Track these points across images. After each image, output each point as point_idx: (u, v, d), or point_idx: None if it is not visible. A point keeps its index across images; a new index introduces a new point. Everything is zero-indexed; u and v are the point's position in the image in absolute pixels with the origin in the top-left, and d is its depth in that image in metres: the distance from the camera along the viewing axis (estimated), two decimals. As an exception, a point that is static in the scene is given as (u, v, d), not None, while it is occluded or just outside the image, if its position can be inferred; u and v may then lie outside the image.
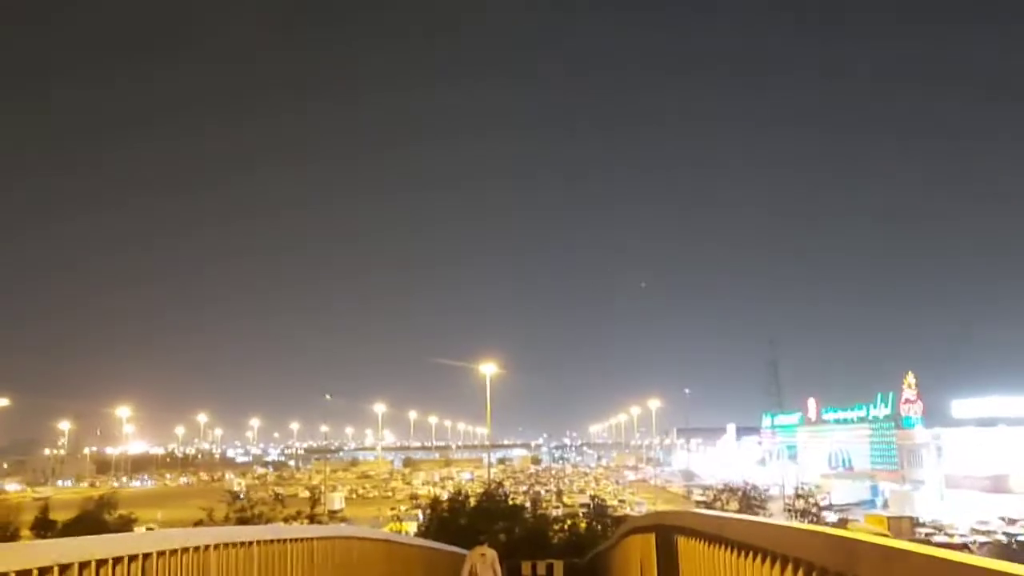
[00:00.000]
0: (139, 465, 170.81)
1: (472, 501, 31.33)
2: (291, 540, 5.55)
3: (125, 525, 30.08)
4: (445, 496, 35.89)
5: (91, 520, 28.90)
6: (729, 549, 3.55)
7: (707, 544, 4.02)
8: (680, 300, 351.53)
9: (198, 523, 17.93)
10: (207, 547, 4.17)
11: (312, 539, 6.11)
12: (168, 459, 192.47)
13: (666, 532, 5.00)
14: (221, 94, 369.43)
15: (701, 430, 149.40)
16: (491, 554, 14.93)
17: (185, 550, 4.11)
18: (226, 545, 4.33)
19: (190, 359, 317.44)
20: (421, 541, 14.30)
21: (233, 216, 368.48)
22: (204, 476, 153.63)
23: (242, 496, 24.41)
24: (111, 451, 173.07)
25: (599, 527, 31.51)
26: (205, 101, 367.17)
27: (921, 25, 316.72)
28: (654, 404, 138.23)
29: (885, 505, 78.89)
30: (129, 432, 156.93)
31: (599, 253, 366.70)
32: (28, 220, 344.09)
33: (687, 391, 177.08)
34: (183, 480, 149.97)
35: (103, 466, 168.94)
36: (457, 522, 29.56)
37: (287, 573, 5.34)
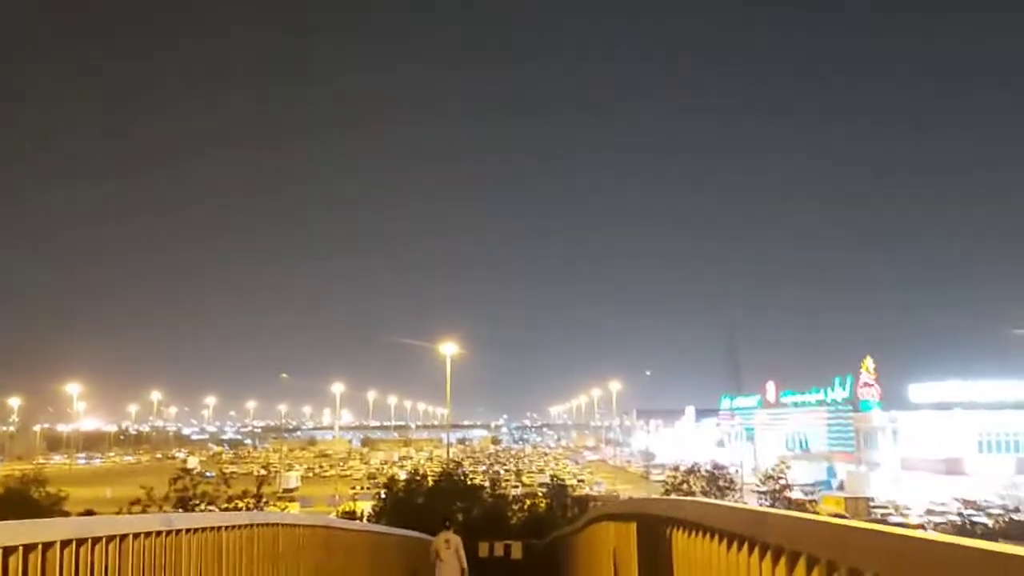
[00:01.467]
0: (92, 442, 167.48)
1: (430, 481, 30.44)
2: (190, 531, 4.48)
3: (55, 505, 28.67)
4: (403, 476, 34.97)
5: (16, 498, 27.45)
6: (768, 555, 2.56)
7: (723, 545, 3.05)
8: (641, 283, 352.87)
9: (135, 502, 16.72)
10: (51, 545, 3.11)
11: (221, 528, 5.03)
12: (121, 436, 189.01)
13: (654, 524, 4.02)
14: (171, 74, 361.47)
15: (660, 412, 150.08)
16: (456, 540, 14.59)
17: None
18: (81, 541, 3.28)
19: (144, 337, 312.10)
20: (368, 526, 13.22)
21: (188, 195, 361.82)
22: (158, 455, 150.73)
23: (197, 471, 23.04)
24: (63, 428, 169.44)
25: (559, 508, 30.81)
26: (158, 82, 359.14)
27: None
28: (615, 386, 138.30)
29: (841, 486, 79.54)
30: (80, 409, 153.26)
31: (561, 237, 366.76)
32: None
33: (648, 373, 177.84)
34: (128, 458, 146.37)
35: (54, 443, 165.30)
36: (414, 502, 28.66)
37: (178, 573, 4.29)
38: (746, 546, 2.83)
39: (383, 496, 30.38)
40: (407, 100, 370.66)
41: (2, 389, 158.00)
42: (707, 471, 30.88)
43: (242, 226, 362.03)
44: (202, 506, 17.48)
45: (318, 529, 7.65)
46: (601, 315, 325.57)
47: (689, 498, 3.95)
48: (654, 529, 4.01)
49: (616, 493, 64.37)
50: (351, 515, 31.77)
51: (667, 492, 29.52)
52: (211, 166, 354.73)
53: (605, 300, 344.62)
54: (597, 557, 6.82)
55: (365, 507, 33.17)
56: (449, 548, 14.48)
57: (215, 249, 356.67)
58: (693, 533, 3.34)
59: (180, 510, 16.17)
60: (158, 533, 4.07)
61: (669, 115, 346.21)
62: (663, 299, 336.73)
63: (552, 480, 36.23)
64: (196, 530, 4.54)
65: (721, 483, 29.94)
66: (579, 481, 74.83)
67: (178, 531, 4.31)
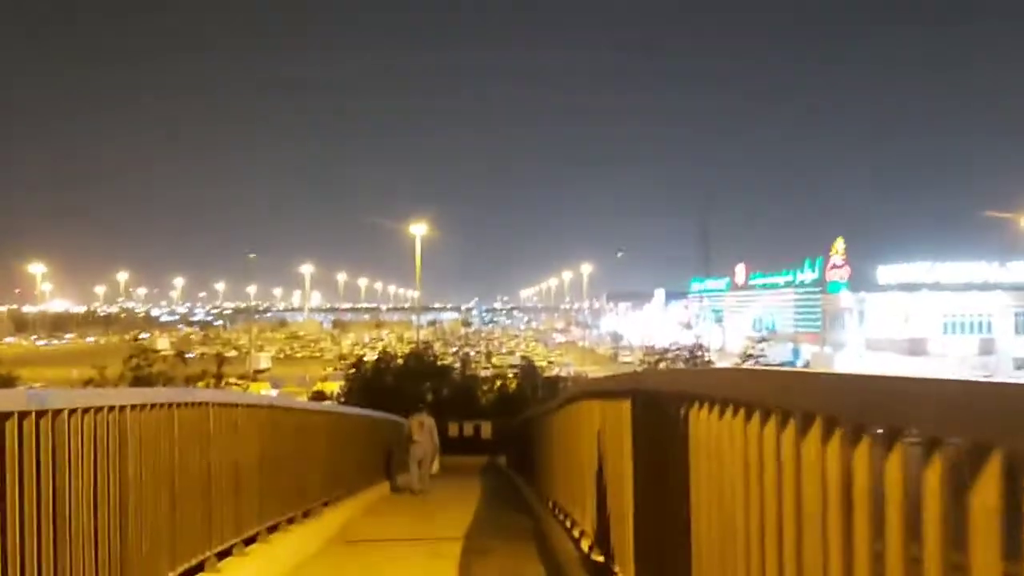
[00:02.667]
0: (59, 324, 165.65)
1: (399, 361, 29.96)
2: (75, 411, 3.55)
3: (6, 384, 27.83)
4: (373, 357, 34.43)
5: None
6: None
7: (753, 420, 2.24)
8: (611, 164, 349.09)
9: (88, 383, 15.98)
10: None
11: (126, 408, 4.12)
12: (90, 318, 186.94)
13: (657, 401, 3.16)
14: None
15: (630, 294, 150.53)
16: (429, 421, 14.88)
17: None
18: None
19: (108, 214, 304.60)
20: (327, 407, 12.50)
21: (151, 60, 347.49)
22: (126, 336, 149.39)
23: (165, 352, 22.39)
24: (29, 309, 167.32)
25: (529, 389, 30.55)
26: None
27: None
28: (586, 268, 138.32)
29: (806, 366, 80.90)
30: (47, 290, 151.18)
31: (531, 111, 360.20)
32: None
33: (619, 253, 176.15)
34: (90, 339, 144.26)
35: (21, 325, 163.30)
36: (383, 383, 28.22)
37: (65, 462, 3.40)
38: (775, 418, 2.06)
39: (350, 376, 29.85)
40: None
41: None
42: (687, 350, 30.45)
43: (207, 105, 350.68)
44: (159, 385, 16.75)
45: (260, 409, 6.80)
46: (572, 196, 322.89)
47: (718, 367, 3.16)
48: (657, 407, 3.16)
49: (585, 374, 64.83)
50: (320, 396, 31.38)
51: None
52: (177, 35, 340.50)
53: (576, 181, 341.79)
54: (576, 441, 6.05)
55: (335, 388, 32.76)
56: (423, 429, 14.59)
57: (178, 129, 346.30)
58: (714, 409, 2.50)
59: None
60: (23, 414, 3.16)
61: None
62: (635, 181, 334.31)
63: (523, 361, 35.96)
64: (86, 411, 3.62)
65: (699, 362, 29.60)
66: (548, 362, 75.37)
67: (57, 412, 3.39)
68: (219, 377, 18.08)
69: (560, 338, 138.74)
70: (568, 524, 7.03)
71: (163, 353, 23.27)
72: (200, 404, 5.39)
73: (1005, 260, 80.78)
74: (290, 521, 7.46)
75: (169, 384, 16.39)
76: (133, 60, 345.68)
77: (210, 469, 5.57)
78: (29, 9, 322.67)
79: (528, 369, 33.58)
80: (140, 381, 16.40)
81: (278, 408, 7.73)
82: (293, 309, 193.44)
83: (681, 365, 29.10)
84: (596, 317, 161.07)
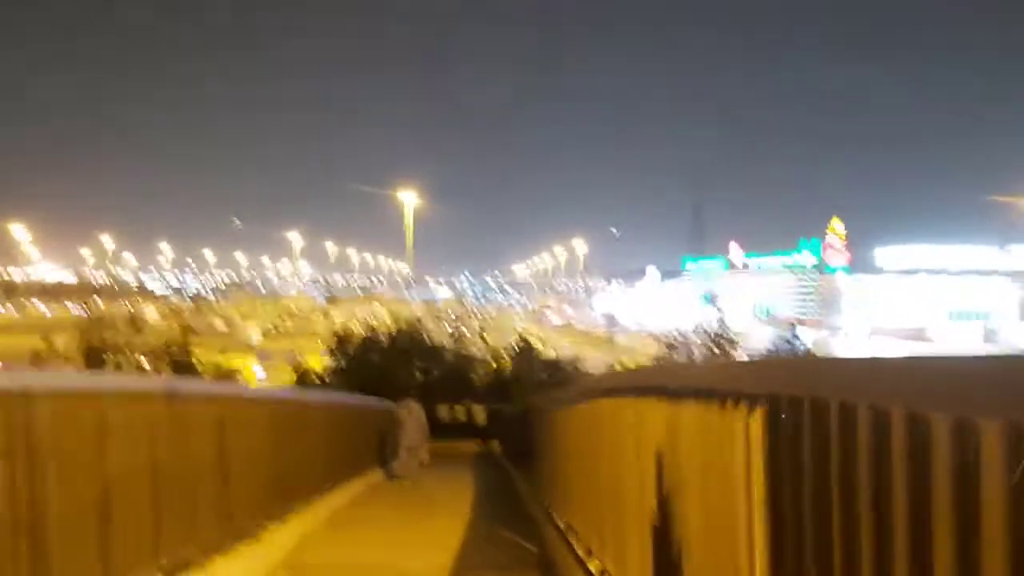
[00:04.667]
0: (51, 292, 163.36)
1: (387, 338, 28.46)
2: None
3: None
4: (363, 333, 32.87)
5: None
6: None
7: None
8: (608, 140, 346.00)
9: (36, 356, 14.54)
10: None
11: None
12: (85, 288, 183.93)
13: (848, 415, 1.64)
14: None
15: (622, 272, 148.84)
16: (417, 407, 15.07)
17: None
18: None
19: (88, 176, 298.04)
20: (279, 394, 10.84)
21: (138, 27, 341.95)
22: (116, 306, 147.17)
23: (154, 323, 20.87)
24: (20, 278, 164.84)
25: (527, 371, 29.01)
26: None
27: None
28: (579, 244, 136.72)
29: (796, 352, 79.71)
30: (35, 256, 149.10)
31: (529, 85, 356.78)
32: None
33: (615, 230, 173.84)
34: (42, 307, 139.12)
35: (11, 291, 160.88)
36: (370, 361, 26.76)
37: None
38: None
39: (333, 351, 28.31)
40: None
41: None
42: (710, 336, 28.86)
43: (194, 67, 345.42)
44: (116, 359, 15.34)
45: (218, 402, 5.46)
46: (565, 172, 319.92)
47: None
48: (840, 426, 1.70)
49: (582, 357, 63.34)
50: (307, 373, 29.80)
51: (661, 357, 27.96)
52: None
53: (570, 156, 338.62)
54: (613, 455, 4.57)
55: (319, 366, 31.21)
56: (411, 417, 14.80)
57: (161, 91, 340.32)
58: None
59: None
60: None
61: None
62: (628, 156, 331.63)
63: (518, 342, 34.41)
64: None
65: (725, 347, 27.99)
66: (544, 344, 73.86)
67: None
68: (185, 349, 16.62)
69: (556, 319, 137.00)
70: (582, 551, 5.60)
71: (151, 323, 21.75)
72: (92, 393, 3.92)
73: (1005, 244, 79.72)
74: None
75: (121, 357, 14.91)
76: (121, 22, 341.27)
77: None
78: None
79: (525, 351, 32.00)
80: (92, 351, 14.97)
81: (243, 399, 6.31)
82: (285, 282, 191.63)
83: (707, 348, 27.61)
84: (590, 295, 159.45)
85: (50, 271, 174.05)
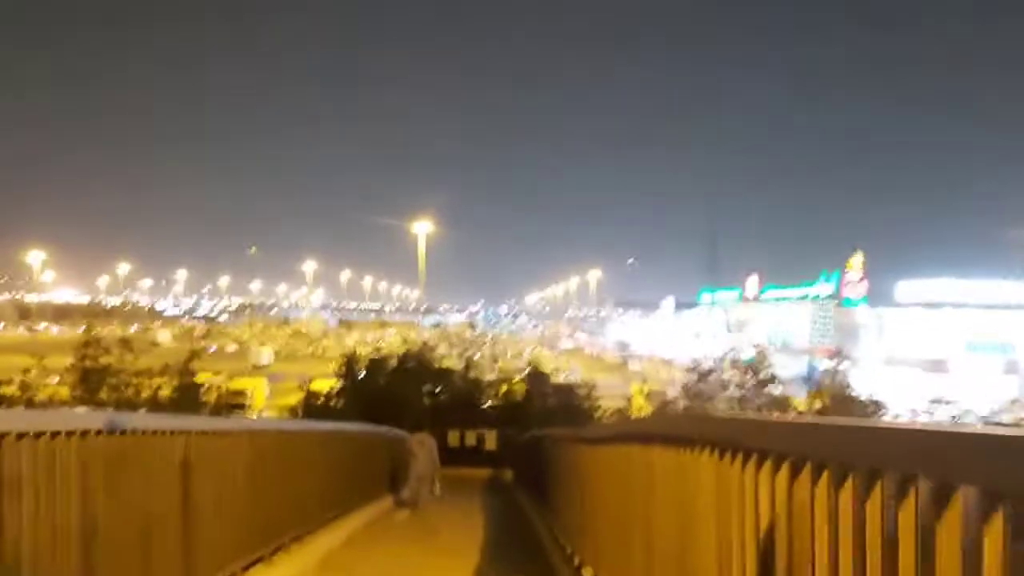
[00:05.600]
0: (62, 313, 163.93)
1: (394, 362, 27.66)
2: None
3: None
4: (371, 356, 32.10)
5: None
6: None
7: None
8: (623, 172, 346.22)
9: (26, 372, 13.87)
10: None
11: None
12: (96, 310, 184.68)
13: None
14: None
15: (638, 302, 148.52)
16: (430, 440, 14.91)
17: None
18: None
19: (111, 206, 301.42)
20: (262, 425, 9.96)
21: (157, 57, 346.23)
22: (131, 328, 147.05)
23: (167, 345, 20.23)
24: (32, 298, 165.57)
25: (538, 396, 28.09)
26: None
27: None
28: (595, 274, 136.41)
29: (818, 384, 78.51)
30: (48, 279, 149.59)
31: (544, 119, 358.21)
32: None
33: (631, 261, 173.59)
34: (55, 329, 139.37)
35: (25, 313, 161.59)
36: (376, 384, 25.96)
37: None
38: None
39: (341, 374, 27.53)
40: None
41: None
42: (746, 367, 27.68)
43: (212, 97, 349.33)
44: (111, 381, 14.62)
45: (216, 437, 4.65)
46: (583, 202, 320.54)
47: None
48: None
49: (592, 382, 62.51)
50: (313, 394, 29.04)
51: (688, 385, 27.08)
52: (184, 25, 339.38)
53: (587, 187, 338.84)
54: (644, 505, 3.76)
55: (328, 387, 30.42)
56: (423, 447, 14.70)
57: (177, 115, 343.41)
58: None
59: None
60: None
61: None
62: (646, 188, 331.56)
63: (530, 367, 33.50)
64: None
65: (762, 376, 26.72)
66: (555, 368, 73.17)
67: None
68: (188, 375, 15.90)
69: (567, 344, 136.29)
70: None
71: (163, 345, 21.07)
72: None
73: (1025, 279, 78.51)
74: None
75: (116, 379, 14.17)
76: (131, 49, 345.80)
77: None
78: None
79: (536, 375, 31.07)
80: (86, 374, 14.27)
81: (214, 433, 5.46)
82: (298, 307, 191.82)
83: (741, 376, 26.54)
84: (603, 324, 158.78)
85: (67, 296, 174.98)
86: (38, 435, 3.33)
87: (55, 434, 3.45)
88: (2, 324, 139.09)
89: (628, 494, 4.56)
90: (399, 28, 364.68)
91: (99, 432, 3.81)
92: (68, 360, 15.44)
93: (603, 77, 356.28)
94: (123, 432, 4.05)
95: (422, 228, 53.04)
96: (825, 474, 2.05)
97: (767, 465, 2.44)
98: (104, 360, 14.40)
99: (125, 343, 15.39)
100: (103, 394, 13.54)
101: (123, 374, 14.48)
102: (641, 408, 34.04)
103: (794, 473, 2.22)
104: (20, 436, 3.20)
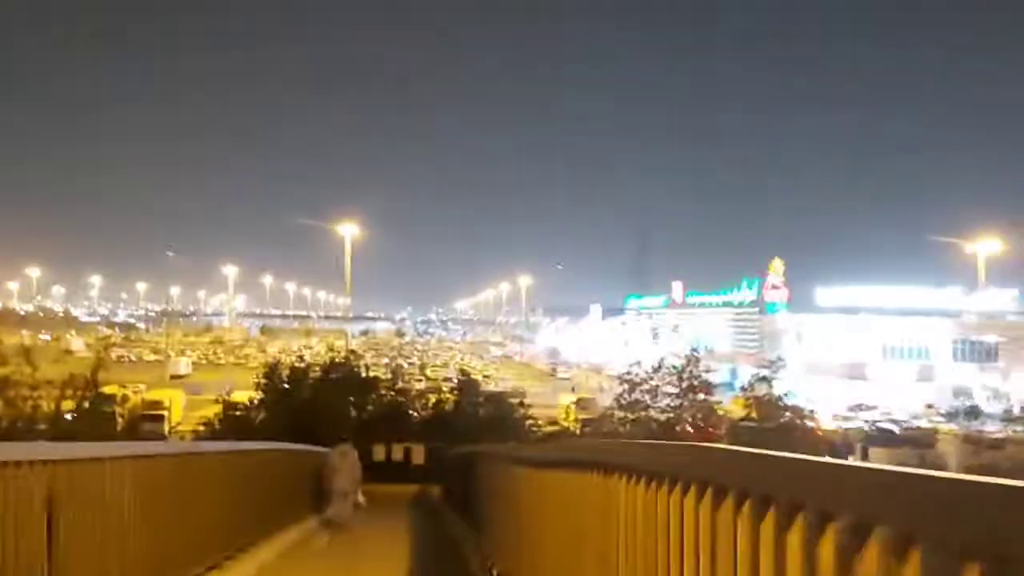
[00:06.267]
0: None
1: (318, 371, 26.76)
2: None
3: None
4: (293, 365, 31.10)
5: None
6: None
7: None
8: (550, 177, 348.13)
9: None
10: None
11: None
12: (8, 317, 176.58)
13: None
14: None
15: (565, 308, 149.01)
16: (353, 453, 14.75)
17: None
18: None
19: (16, 207, 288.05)
20: (153, 448, 9.09)
21: (71, 57, 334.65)
22: (41, 337, 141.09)
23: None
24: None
25: (469, 406, 27.51)
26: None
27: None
28: (524, 281, 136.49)
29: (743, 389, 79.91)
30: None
31: (472, 121, 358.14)
32: None
33: (559, 266, 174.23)
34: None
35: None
36: (300, 395, 25.04)
37: None
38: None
39: (261, 385, 26.55)
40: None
41: None
42: (683, 369, 27.65)
43: (126, 94, 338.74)
44: (8, 395, 13.46)
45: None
46: (508, 208, 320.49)
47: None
48: None
49: (523, 390, 62.34)
50: (232, 406, 27.97)
51: (622, 394, 26.89)
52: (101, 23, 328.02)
53: (512, 193, 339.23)
54: (581, 531, 3.25)
55: (253, 397, 29.32)
56: (345, 459, 14.45)
57: (94, 110, 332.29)
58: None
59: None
60: None
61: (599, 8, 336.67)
62: (571, 194, 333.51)
63: (460, 375, 32.92)
64: None
65: (696, 384, 26.80)
66: (485, 377, 72.72)
67: None
68: (93, 384, 14.83)
69: (496, 351, 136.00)
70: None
71: (77, 354, 19.80)
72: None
73: (941, 285, 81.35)
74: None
75: (14, 392, 13.07)
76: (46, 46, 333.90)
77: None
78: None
79: (466, 383, 30.47)
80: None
81: (88, 462, 4.65)
82: (219, 314, 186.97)
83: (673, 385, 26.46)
84: (532, 331, 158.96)
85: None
86: None
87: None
88: None
89: (565, 519, 4.10)
90: (330, 25, 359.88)
91: None
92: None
93: (530, 77, 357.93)
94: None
95: (348, 231, 51.80)
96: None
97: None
98: (0, 371, 13.25)
99: (25, 352, 14.26)
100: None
101: (20, 386, 13.32)
102: (572, 421, 33.98)
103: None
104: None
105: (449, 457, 17.94)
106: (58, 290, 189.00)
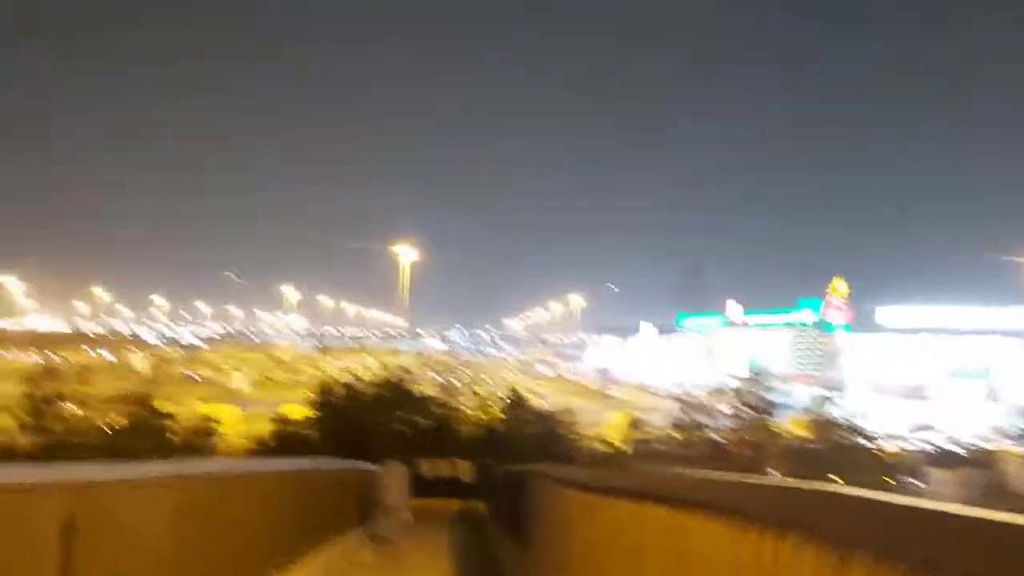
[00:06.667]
0: (42, 341, 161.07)
1: (370, 388, 26.90)
2: None
3: None
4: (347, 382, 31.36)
5: None
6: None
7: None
8: (602, 200, 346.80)
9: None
10: None
11: None
12: (78, 338, 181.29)
13: None
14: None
15: (616, 328, 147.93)
16: (401, 470, 14.91)
17: None
18: None
19: (83, 230, 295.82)
20: (189, 470, 9.04)
21: (132, 83, 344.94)
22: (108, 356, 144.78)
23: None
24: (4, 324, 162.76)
25: (517, 423, 27.32)
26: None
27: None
28: (575, 299, 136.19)
29: (805, 410, 78.40)
30: (25, 305, 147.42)
31: (526, 142, 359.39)
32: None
33: (613, 287, 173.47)
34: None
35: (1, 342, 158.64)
36: (351, 411, 25.19)
37: None
38: None
39: (315, 401, 26.81)
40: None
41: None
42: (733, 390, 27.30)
43: (186, 119, 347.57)
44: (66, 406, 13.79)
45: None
46: (558, 228, 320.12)
47: None
48: None
49: (573, 409, 61.92)
50: (285, 421, 28.32)
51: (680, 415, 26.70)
52: (152, 45, 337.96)
53: (563, 212, 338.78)
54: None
55: (302, 415, 29.62)
56: (394, 476, 14.63)
57: (156, 145, 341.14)
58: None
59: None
60: None
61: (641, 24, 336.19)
62: (624, 212, 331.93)
63: (511, 393, 32.82)
64: None
65: (757, 404, 26.45)
66: (534, 394, 72.47)
67: None
68: (148, 402, 15.04)
69: (546, 370, 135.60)
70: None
71: (142, 373, 20.30)
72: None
73: (1007, 304, 79.02)
74: None
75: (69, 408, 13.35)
76: (109, 68, 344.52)
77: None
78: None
79: (516, 401, 30.31)
80: (45, 402, 13.43)
81: (113, 486, 4.38)
82: (277, 334, 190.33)
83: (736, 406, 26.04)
84: (581, 350, 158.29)
85: (46, 323, 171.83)
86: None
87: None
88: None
89: (620, 552, 3.87)
90: (377, 47, 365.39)
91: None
92: (18, 388, 14.57)
93: (580, 101, 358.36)
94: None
95: (404, 252, 52.25)
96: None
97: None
98: (57, 389, 13.53)
99: (84, 371, 14.61)
100: (49, 423, 12.68)
101: (73, 402, 13.58)
102: (623, 441, 33.54)
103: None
104: None
105: (498, 474, 17.77)
106: (125, 311, 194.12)
